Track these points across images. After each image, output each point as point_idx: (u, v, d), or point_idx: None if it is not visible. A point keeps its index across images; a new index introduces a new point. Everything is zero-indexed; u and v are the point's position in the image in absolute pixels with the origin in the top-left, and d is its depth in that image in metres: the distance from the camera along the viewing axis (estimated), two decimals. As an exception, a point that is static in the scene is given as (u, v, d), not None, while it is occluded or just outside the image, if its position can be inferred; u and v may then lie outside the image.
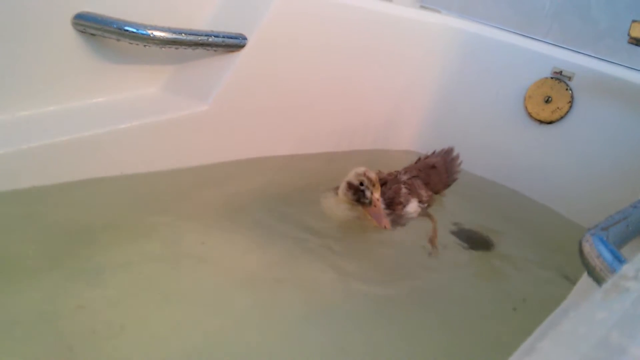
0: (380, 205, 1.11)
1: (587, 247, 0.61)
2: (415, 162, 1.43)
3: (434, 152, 1.47)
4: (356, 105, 1.56)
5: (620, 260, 0.58)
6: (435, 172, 1.39)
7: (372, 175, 1.10)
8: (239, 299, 0.89)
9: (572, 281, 1.08)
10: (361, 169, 1.11)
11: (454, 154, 1.47)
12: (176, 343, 0.77)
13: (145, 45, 1.09)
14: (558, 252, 1.25)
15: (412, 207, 1.23)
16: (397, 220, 1.19)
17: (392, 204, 1.19)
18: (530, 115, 1.54)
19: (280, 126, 1.41)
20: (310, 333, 0.84)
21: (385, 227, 1.08)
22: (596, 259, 0.60)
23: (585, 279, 0.64)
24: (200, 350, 0.76)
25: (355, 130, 1.58)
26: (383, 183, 1.21)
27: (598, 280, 0.59)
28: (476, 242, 1.24)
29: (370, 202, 1.09)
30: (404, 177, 1.29)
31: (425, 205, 1.28)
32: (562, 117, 1.50)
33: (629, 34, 1.22)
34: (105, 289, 0.83)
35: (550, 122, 1.52)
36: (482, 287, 1.09)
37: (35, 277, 0.81)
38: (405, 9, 1.57)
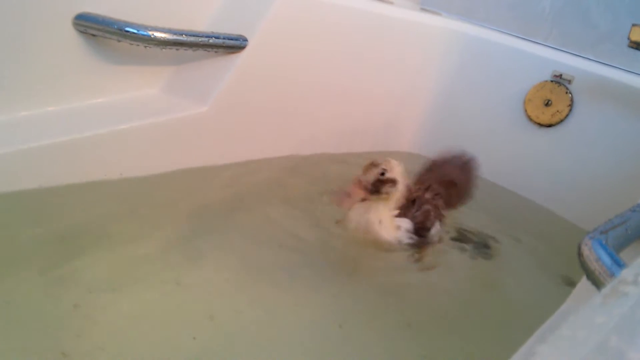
0: (354, 184, 0.98)
1: (586, 251, 0.61)
2: (428, 170, 1.26)
3: (448, 159, 1.29)
4: (356, 107, 1.56)
5: (619, 264, 0.58)
6: (455, 190, 1.23)
7: (380, 162, 0.99)
8: (237, 306, 0.89)
9: (572, 284, 1.08)
10: (391, 159, 1.01)
11: (473, 165, 1.28)
12: (172, 346, 0.77)
13: (145, 46, 1.09)
14: (558, 255, 1.25)
15: (435, 230, 1.12)
16: (420, 246, 1.08)
17: (422, 229, 1.07)
18: (529, 118, 1.54)
19: (280, 128, 1.41)
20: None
21: (335, 202, 0.97)
22: (595, 263, 0.60)
23: (584, 283, 0.64)
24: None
25: (355, 132, 1.58)
26: (412, 201, 1.08)
27: (597, 284, 0.59)
28: (475, 244, 1.24)
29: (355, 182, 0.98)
30: (428, 196, 1.14)
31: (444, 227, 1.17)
32: (561, 121, 1.50)
33: (629, 38, 1.23)
34: (101, 291, 0.82)
35: (550, 126, 1.52)
36: (481, 290, 1.09)
37: (32, 277, 0.81)
38: (406, 11, 1.58)
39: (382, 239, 1.00)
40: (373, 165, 0.99)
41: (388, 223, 1.01)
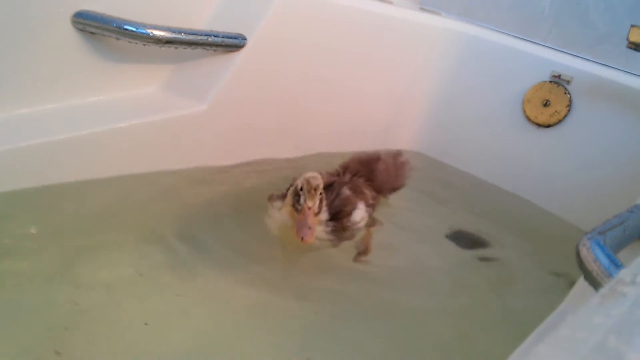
0: (309, 216, 0.95)
1: (584, 251, 0.62)
2: (353, 159, 1.26)
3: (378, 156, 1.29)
4: (355, 106, 1.56)
5: (617, 265, 0.58)
6: (382, 169, 1.23)
7: (315, 181, 0.97)
8: (232, 316, 0.89)
9: (570, 285, 1.08)
10: (310, 174, 0.99)
11: (403, 158, 1.31)
12: (167, 345, 0.77)
13: (144, 45, 1.09)
14: (555, 255, 1.25)
15: (359, 214, 1.07)
16: (343, 233, 1.04)
17: (340, 215, 1.03)
18: (528, 118, 1.54)
19: (279, 127, 1.41)
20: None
21: (302, 240, 0.92)
22: (593, 263, 0.60)
23: (581, 283, 0.64)
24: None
25: (354, 131, 1.58)
26: (327, 185, 1.05)
27: (594, 284, 0.60)
28: (473, 244, 1.24)
29: (302, 209, 0.95)
30: (346, 178, 1.13)
31: (371, 209, 1.12)
32: (560, 121, 1.50)
33: (627, 39, 1.23)
34: (98, 290, 0.82)
35: (548, 126, 1.52)
36: (479, 291, 1.09)
37: (29, 275, 0.81)
38: (405, 10, 1.58)
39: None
40: (314, 189, 0.96)
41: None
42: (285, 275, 1.01)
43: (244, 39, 1.22)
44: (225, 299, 0.89)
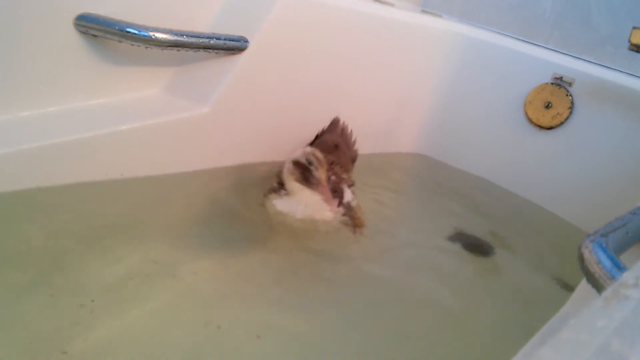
0: (327, 186, 1.02)
1: (586, 253, 0.61)
2: (311, 144, 1.34)
3: (323, 131, 1.39)
4: (358, 109, 1.56)
5: (620, 267, 0.58)
6: (340, 153, 1.30)
7: (320, 154, 1.02)
8: (236, 312, 0.89)
9: (571, 287, 1.08)
10: (309, 148, 1.04)
11: (342, 124, 1.39)
12: (173, 345, 0.77)
13: (146, 47, 1.09)
14: (557, 257, 1.25)
15: (349, 195, 1.14)
16: (349, 214, 1.11)
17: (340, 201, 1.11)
18: (530, 120, 1.54)
19: (281, 129, 1.41)
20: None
21: (334, 210, 1.02)
22: (595, 266, 0.60)
23: (584, 285, 0.64)
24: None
25: (356, 133, 1.58)
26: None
27: (597, 286, 0.59)
28: (475, 246, 1.24)
29: (319, 182, 1.00)
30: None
31: (353, 188, 1.20)
32: (562, 123, 1.50)
33: (629, 41, 1.23)
34: (102, 291, 0.82)
35: (550, 128, 1.52)
36: (480, 292, 1.09)
37: (33, 276, 0.81)
38: (407, 13, 1.58)
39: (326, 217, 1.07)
40: (324, 162, 1.03)
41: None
42: (292, 267, 1.01)
43: (246, 41, 1.22)
44: (235, 299, 0.89)
